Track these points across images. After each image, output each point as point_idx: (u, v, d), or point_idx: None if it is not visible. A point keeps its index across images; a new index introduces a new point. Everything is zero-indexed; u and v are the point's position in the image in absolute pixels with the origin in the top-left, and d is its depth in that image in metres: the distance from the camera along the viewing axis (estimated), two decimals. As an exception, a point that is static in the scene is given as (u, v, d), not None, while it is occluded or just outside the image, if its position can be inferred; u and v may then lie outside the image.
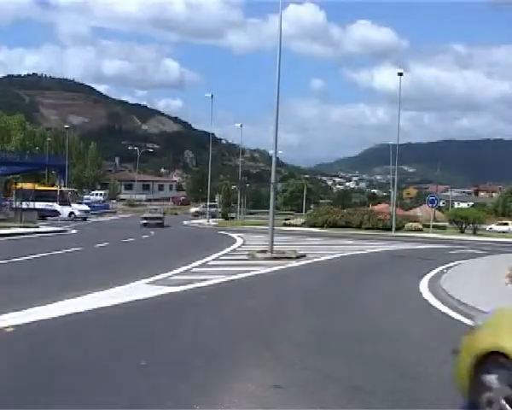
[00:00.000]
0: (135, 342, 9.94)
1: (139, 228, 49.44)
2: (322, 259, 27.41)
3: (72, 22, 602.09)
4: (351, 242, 40.45)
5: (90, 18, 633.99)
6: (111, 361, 8.64)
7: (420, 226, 60.01)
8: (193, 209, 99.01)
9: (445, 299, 15.70)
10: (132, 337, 10.29)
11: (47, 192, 69.96)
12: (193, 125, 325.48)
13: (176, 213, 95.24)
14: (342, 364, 8.92)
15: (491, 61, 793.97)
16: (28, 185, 74.06)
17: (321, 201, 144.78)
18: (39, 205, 61.68)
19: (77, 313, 11.95)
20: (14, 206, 55.21)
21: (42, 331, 10.43)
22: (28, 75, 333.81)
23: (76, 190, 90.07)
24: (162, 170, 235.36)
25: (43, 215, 61.92)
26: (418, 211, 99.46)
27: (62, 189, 73.54)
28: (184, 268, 20.88)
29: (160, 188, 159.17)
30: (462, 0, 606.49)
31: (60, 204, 66.55)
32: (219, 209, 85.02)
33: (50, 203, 65.72)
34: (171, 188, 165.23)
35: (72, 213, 66.07)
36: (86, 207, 71.34)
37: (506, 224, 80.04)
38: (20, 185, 71.93)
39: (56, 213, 64.78)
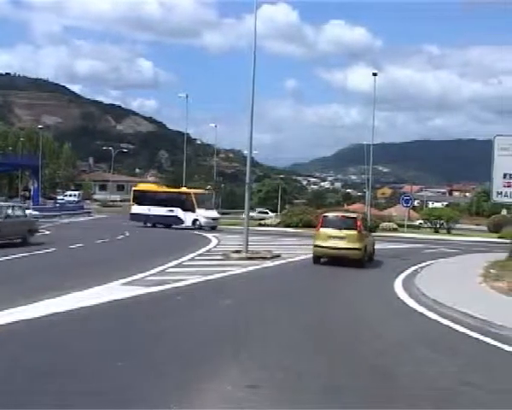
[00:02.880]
0: (112, 342, 9.95)
1: (113, 229, 49.11)
2: (297, 259, 27.50)
3: (45, 21, 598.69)
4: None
5: (63, 17, 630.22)
6: (89, 362, 8.61)
7: (394, 226, 60.36)
8: None
9: (418, 298, 15.86)
10: (110, 338, 10.29)
11: (171, 195, 58.39)
12: (168, 126, 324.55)
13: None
14: (317, 363, 8.98)
15: (463, 61, 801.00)
16: (149, 186, 66.06)
17: (296, 201, 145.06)
18: (161, 211, 54.68)
19: (57, 313, 12.02)
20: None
21: (24, 331, 10.46)
22: (1, 75, 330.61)
23: (210, 191, 75.69)
24: (137, 170, 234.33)
25: (167, 224, 54.28)
26: (393, 211, 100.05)
27: (189, 190, 60.09)
28: (160, 268, 20.85)
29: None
30: (434, 0, 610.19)
31: (183, 210, 54.56)
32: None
33: (173, 209, 54.75)
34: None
35: (196, 220, 53.98)
36: (215, 214, 57.04)
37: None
38: (140, 186, 64.03)
39: (179, 220, 54.34)
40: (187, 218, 54.04)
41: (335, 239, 24.38)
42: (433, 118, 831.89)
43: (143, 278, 18.15)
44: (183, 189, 61.62)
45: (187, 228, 52.22)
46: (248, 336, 10.85)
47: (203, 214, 54.30)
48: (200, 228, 52.27)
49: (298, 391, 7.54)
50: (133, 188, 63.05)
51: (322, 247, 24.68)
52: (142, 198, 56.73)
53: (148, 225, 54.94)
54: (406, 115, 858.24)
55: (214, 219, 55.22)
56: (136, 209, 56.38)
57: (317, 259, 25.23)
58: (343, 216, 27.27)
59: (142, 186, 64.85)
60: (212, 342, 10.23)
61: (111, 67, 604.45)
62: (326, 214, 27.69)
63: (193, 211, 54.00)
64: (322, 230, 25.05)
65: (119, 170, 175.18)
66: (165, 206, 54.73)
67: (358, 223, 25.09)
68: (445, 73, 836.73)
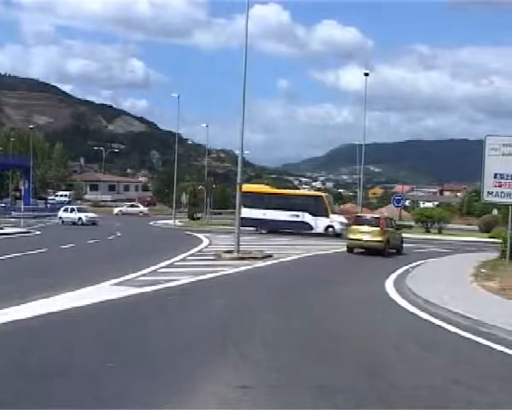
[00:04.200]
0: (105, 343, 9.95)
1: (105, 229, 49.07)
2: (289, 259, 27.54)
3: (35, 21, 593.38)
4: (317, 242, 40.57)
5: (54, 16, 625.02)
6: (82, 362, 8.61)
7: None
8: (116, 209, 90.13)
9: (410, 298, 15.90)
10: (102, 338, 10.27)
11: (294, 197, 53.44)
12: (159, 126, 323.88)
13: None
14: (309, 363, 8.99)
15: (455, 62, 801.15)
16: (261, 187, 58.17)
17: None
18: (281, 215, 49.05)
19: (51, 313, 12.06)
20: None
21: (17, 332, 10.49)
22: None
23: (326, 194, 61.54)
24: (128, 170, 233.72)
25: (289, 230, 49.25)
26: (384, 211, 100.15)
27: (320, 193, 55.81)
28: (152, 269, 20.86)
29: (126, 188, 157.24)
30: (425, 0, 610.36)
31: (312, 214, 49.06)
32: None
33: (298, 213, 48.97)
34: (136, 188, 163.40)
35: (330, 227, 48.96)
36: (343, 219, 49.76)
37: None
38: (249, 187, 51.67)
39: (307, 226, 49.00)
40: (318, 223, 49.01)
41: (363, 234, 31.19)
42: (424, 118, 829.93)
43: (135, 278, 18.15)
44: (303, 191, 55.05)
45: (318, 234, 47.90)
46: (240, 336, 10.84)
47: (338, 220, 49.54)
48: (336, 236, 46.84)
49: (290, 392, 7.52)
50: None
51: (354, 239, 31.80)
52: (253, 201, 48.86)
53: (263, 231, 49.30)
54: (398, 115, 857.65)
55: (343, 223, 48.71)
56: (247, 213, 46.83)
57: (350, 249, 32.11)
58: (370, 216, 35.93)
59: (251, 187, 53.91)
60: (204, 343, 10.21)
61: (102, 66, 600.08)
62: (357, 215, 37.67)
63: (326, 216, 49.09)
64: (354, 226, 32.64)
65: (111, 170, 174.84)
66: (287, 210, 49.10)
67: (381, 221, 32.27)
68: (437, 73, 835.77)
